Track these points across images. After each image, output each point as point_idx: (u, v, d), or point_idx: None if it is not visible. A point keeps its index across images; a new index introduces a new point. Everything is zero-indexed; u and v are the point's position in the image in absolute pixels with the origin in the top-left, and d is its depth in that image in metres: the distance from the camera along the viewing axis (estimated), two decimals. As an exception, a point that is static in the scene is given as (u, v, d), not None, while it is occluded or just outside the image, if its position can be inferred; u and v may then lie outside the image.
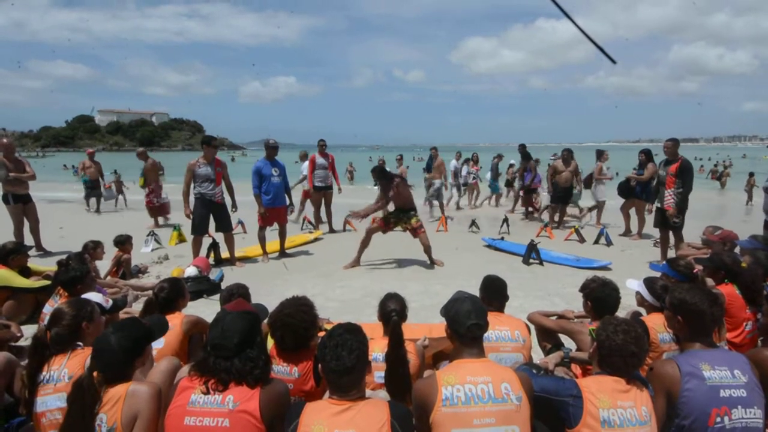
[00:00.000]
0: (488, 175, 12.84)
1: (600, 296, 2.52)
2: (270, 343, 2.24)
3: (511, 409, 1.68)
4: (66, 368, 2.00)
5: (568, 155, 9.07)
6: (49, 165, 35.38)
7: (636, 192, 7.84)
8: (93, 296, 2.74)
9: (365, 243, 6.13)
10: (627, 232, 8.17)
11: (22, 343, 3.39)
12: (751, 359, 1.96)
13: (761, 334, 2.75)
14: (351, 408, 1.62)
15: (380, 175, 6.12)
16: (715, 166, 21.50)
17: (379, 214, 6.32)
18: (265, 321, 2.25)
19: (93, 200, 11.21)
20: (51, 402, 1.93)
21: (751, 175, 14.34)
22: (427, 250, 6.17)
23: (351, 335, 1.72)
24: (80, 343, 2.14)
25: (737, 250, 4.10)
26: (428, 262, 6.23)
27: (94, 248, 4.89)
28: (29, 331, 3.60)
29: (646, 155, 7.83)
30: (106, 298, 2.99)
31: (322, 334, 1.98)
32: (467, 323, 1.84)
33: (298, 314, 2.16)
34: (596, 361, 1.90)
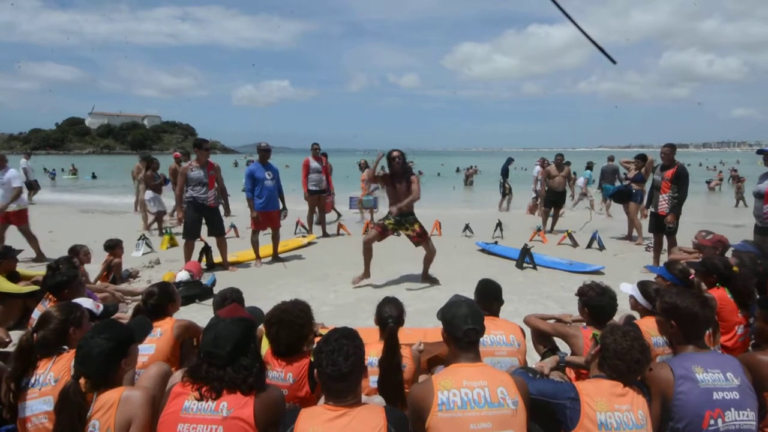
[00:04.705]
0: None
1: (599, 304, 2.53)
2: (265, 348, 2.22)
3: (507, 414, 1.68)
4: (51, 372, 1.97)
5: (560, 160, 9.14)
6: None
7: (632, 197, 7.92)
8: (83, 302, 2.70)
9: (367, 253, 5.44)
10: (630, 236, 8.20)
11: (10, 349, 3.33)
12: (744, 362, 1.98)
13: (753, 338, 2.77)
14: (347, 414, 1.60)
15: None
16: (734, 170, 21.79)
17: (379, 219, 5.76)
18: (261, 326, 2.23)
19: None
20: (36, 406, 1.91)
21: (741, 180, 14.60)
22: (428, 260, 5.51)
23: (347, 340, 1.70)
24: (65, 347, 2.11)
25: (729, 253, 4.14)
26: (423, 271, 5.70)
27: (83, 252, 4.82)
28: (17, 337, 3.53)
29: (641, 160, 7.93)
30: (97, 304, 2.96)
31: (317, 339, 1.97)
32: (464, 327, 1.84)
33: (294, 310, 2.19)
34: (596, 363, 1.90)
